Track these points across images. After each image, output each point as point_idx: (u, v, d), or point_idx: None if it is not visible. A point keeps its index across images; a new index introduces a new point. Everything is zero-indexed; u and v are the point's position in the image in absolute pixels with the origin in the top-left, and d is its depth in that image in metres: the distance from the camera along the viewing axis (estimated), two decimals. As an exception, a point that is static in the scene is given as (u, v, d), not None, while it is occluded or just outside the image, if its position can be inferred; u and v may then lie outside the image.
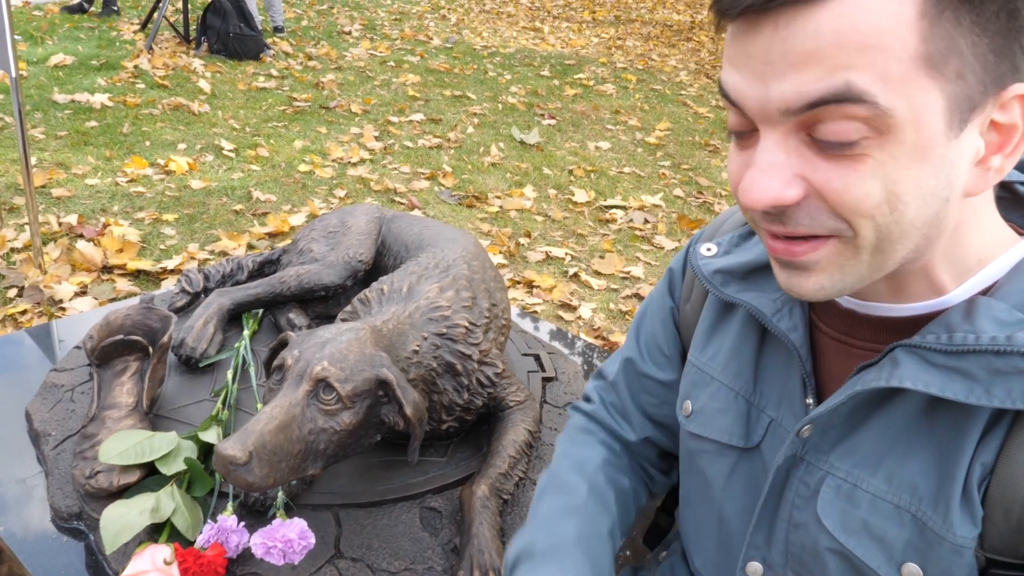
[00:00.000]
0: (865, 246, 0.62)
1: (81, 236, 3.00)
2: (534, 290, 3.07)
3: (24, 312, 2.48)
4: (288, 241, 3.18)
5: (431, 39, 8.00)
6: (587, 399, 1.10)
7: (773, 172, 0.61)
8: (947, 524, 0.66)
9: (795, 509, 0.76)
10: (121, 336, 1.31)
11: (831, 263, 0.64)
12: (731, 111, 0.65)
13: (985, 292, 0.67)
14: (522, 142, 5.00)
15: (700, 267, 0.84)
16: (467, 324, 1.32)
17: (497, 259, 3.25)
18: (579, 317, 2.92)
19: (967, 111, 0.59)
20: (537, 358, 1.70)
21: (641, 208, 4.07)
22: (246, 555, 1.12)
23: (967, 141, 0.60)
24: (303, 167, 4.08)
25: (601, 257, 3.43)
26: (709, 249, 0.85)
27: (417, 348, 1.24)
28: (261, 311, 1.68)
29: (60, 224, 3.08)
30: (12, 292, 2.60)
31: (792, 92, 0.58)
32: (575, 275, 3.25)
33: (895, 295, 0.70)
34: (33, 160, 3.69)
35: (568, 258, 3.40)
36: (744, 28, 0.59)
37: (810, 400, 0.77)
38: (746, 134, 0.64)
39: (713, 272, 0.83)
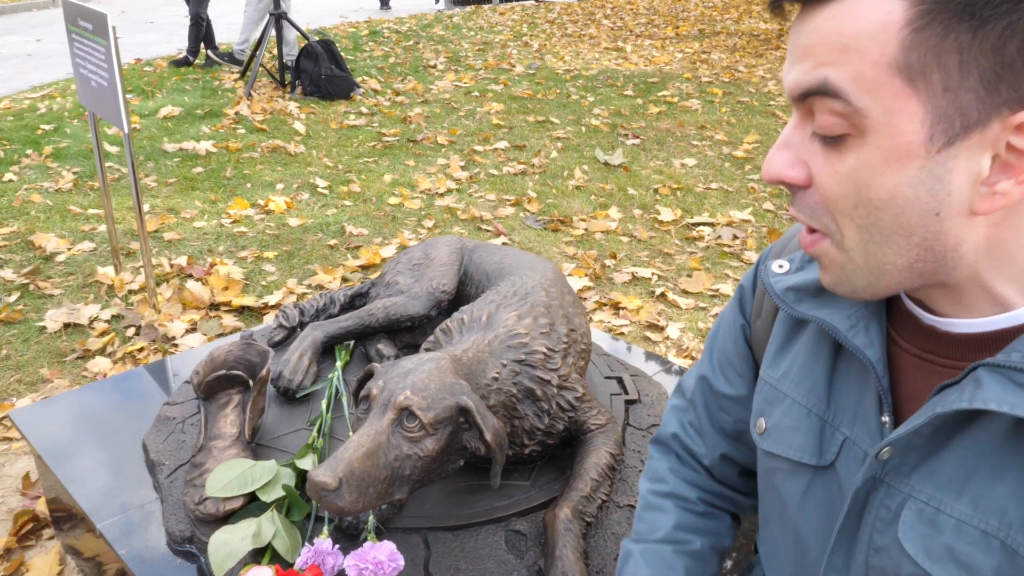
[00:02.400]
0: (852, 248, 0.66)
1: (190, 276, 3.20)
2: (620, 311, 3.07)
3: (141, 349, 2.67)
4: (380, 273, 3.29)
5: (514, 67, 8.13)
6: (666, 425, 1.11)
7: (784, 151, 0.67)
8: None
9: (875, 532, 0.75)
10: (224, 371, 1.40)
11: (832, 262, 0.69)
12: None
13: None
14: (606, 163, 5.01)
15: (772, 285, 0.84)
16: (545, 350, 1.35)
17: (583, 282, 3.27)
18: (667, 337, 2.91)
19: (959, 127, 0.59)
20: (620, 381, 1.72)
21: (729, 224, 4.01)
22: (341, 576, 1.19)
23: (961, 158, 0.60)
24: (393, 200, 4.22)
25: (688, 276, 3.40)
26: (781, 266, 0.85)
27: (497, 375, 1.28)
28: (352, 343, 1.76)
29: (171, 266, 3.30)
30: (131, 331, 2.79)
31: (793, 81, 0.64)
32: (662, 295, 3.24)
33: (959, 310, 0.69)
34: (146, 207, 3.96)
35: (655, 278, 3.39)
36: (793, 21, 0.65)
37: (886, 418, 0.75)
38: None
39: (785, 290, 0.83)
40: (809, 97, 0.63)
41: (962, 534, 0.67)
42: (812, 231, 0.69)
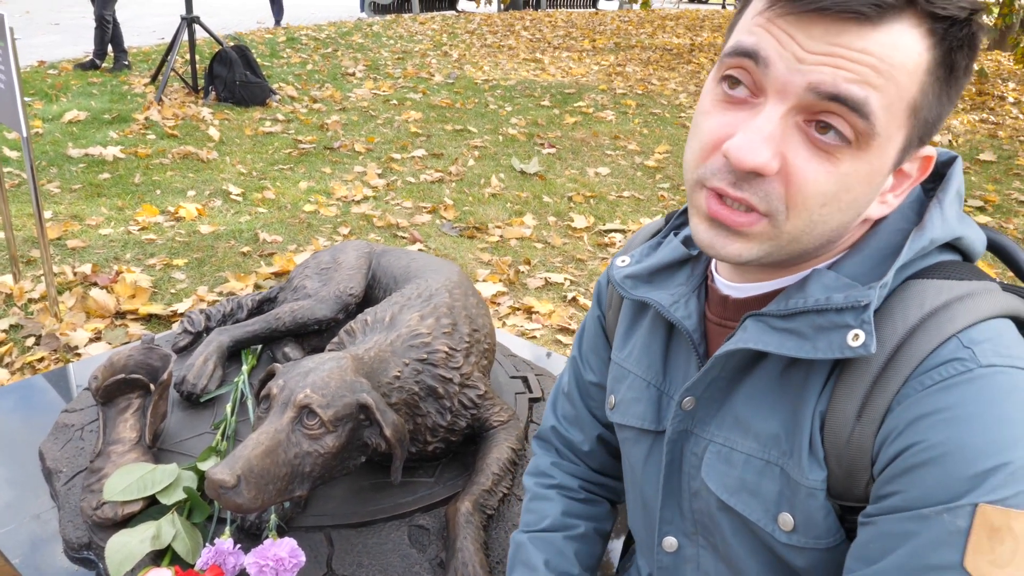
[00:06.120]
0: (788, 232, 0.69)
1: (95, 284, 3.12)
2: (533, 316, 3.14)
3: (42, 359, 2.59)
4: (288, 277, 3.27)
5: (433, 76, 8.16)
6: (546, 420, 1.18)
7: (769, 142, 0.66)
8: (801, 470, 0.75)
9: (690, 479, 0.86)
10: (123, 375, 1.39)
11: (759, 236, 0.71)
12: (740, 71, 0.69)
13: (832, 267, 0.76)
14: (522, 172, 5.10)
15: (614, 276, 0.94)
16: (447, 349, 1.39)
17: (497, 287, 3.32)
18: (578, 340, 2.99)
19: (904, 155, 0.71)
20: (525, 380, 1.77)
21: (640, 231, 4.14)
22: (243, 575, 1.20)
23: (890, 177, 0.72)
24: (308, 207, 4.19)
25: (600, 280, 3.50)
26: (624, 261, 0.95)
27: (399, 374, 1.31)
28: (259, 347, 1.76)
29: (75, 274, 3.20)
30: (30, 341, 2.70)
31: (829, 81, 0.64)
32: (574, 299, 3.32)
33: (742, 277, 0.82)
34: (49, 213, 3.83)
35: (567, 283, 3.47)
36: (798, 17, 0.65)
37: None
38: (743, 98, 0.70)
39: (624, 278, 0.93)
40: (838, 102, 0.64)
41: (750, 466, 0.79)
42: (749, 211, 0.70)
